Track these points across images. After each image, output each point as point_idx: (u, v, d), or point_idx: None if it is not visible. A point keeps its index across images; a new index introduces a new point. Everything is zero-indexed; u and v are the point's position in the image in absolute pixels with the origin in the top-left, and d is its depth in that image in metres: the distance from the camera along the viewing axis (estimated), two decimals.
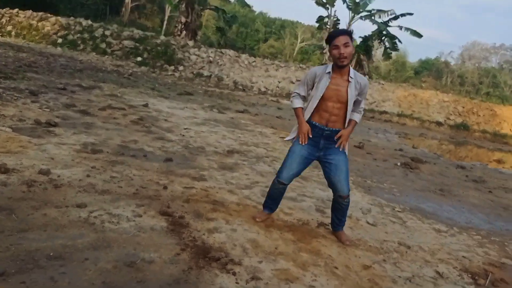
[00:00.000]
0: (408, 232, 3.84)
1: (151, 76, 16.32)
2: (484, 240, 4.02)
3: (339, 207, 3.16)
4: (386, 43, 22.68)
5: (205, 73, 19.08)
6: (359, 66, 21.88)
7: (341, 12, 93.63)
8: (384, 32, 22.03)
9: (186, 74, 18.51)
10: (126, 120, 6.33)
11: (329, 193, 4.57)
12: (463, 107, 19.60)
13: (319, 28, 23.78)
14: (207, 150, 5.54)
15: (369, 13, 22.33)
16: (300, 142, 3.04)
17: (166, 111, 8.18)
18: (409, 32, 21.61)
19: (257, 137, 7.29)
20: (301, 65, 21.00)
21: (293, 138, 3.17)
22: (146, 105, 8.11)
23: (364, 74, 21.48)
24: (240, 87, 18.85)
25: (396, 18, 22.00)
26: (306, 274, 2.59)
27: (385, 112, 19.05)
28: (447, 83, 52.45)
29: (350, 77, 2.93)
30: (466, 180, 7.25)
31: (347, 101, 2.93)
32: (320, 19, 23.05)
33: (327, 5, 22.41)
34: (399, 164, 7.46)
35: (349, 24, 22.86)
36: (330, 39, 2.89)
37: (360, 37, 22.68)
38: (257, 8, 34.77)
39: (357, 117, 3.09)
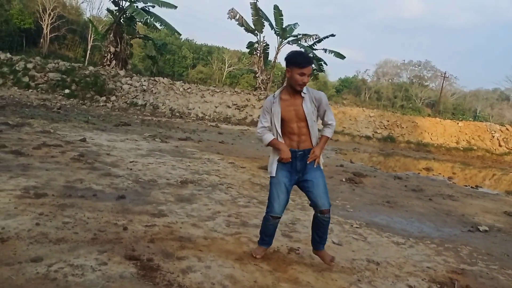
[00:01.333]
0: (371, 248, 3.95)
1: (82, 108, 15.51)
2: (439, 248, 4.24)
3: (321, 224, 3.13)
4: (313, 66, 23.79)
5: (140, 102, 18.56)
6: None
7: (270, 37, 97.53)
8: (311, 55, 23.13)
9: (119, 104, 17.86)
10: (66, 158, 5.91)
11: (289, 216, 4.61)
12: (388, 121, 20.99)
13: (250, 53, 24.37)
14: (159, 183, 5.32)
15: (295, 38, 23.37)
16: (285, 161, 3.00)
17: (107, 144, 7.78)
18: (333, 54, 22.91)
19: (206, 165, 7.16)
20: (236, 90, 21.23)
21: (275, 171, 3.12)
22: (83, 140, 7.65)
23: None
24: (177, 114, 18.56)
25: (320, 41, 23.23)
26: None
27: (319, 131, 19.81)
28: (366, 98, 56.20)
29: (303, 92, 2.97)
30: (406, 190, 7.68)
31: (305, 117, 2.97)
32: (250, 44, 23.64)
33: (256, 32, 23.09)
34: (344, 180, 7.73)
35: (278, 49, 23.74)
36: (298, 65, 2.88)
37: None
38: (182, 35, 34.64)
39: (328, 132, 3.10)
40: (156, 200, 4.49)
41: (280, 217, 3.14)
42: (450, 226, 5.34)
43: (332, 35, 22.99)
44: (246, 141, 12.96)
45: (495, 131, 21.46)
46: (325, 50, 23.32)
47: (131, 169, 5.91)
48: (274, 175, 3.11)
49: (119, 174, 5.50)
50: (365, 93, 58.77)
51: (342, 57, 22.90)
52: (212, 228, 3.82)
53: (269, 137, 3.06)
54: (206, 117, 19.04)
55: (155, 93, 19.40)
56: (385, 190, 7.37)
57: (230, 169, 7.07)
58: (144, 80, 19.75)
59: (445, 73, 48.70)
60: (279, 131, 3.02)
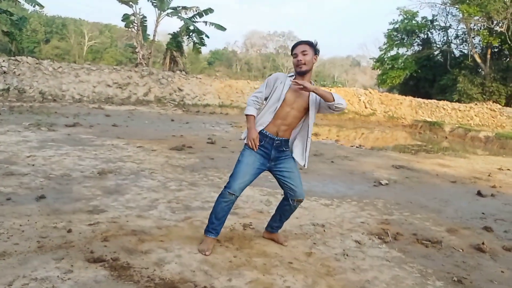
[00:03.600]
0: (310, 212, 4.28)
1: None
2: (360, 204, 4.80)
3: (291, 210, 3.17)
4: (195, 39, 23.45)
5: (0, 86, 16.11)
6: (173, 63, 22.05)
7: (148, 9, 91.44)
8: (191, 28, 22.72)
9: None
10: None
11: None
12: None
13: (127, 27, 22.78)
14: (75, 177, 4.86)
15: (174, 10, 22.58)
16: (250, 147, 2.94)
17: None
18: (214, 26, 22.82)
19: (114, 151, 6.71)
20: (115, 67, 19.81)
21: (245, 139, 3.03)
22: None
23: (180, 71, 21.81)
24: (50, 97, 16.65)
25: (200, 15, 22.89)
26: (275, 277, 2.67)
27: (208, 105, 19.84)
28: (238, 70, 57.80)
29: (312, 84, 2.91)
30: (309, 156, 8.32)
31: (305, 110, 2.94)
32: (126, 17, 22.04)
33: (131, 3, 21.61)
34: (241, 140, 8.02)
35: (157, 21, 22.69)
36: (291, 50, 2.93)
37: (169, 34, 22.81)
38: (29, 6, 30.14)
39: (336, 96, 2.82)
40: (83, 196, 4.12)
41: (236, 197, 2.96)
42: (358, 183, 6.03)
43: (211, 10, 22.82)
44: (140, 122, 12.38)
45: (361, 95, 24.17)
46: (206, 23, 23.09)
47: (33, 165, 5.25)
48: (242, 137, 3.06)
49: (23, 171, 4.85)
50: (236, 64, 60.24)
51: (223, 29, 22.96)
52: (159, 216, 3.70)
53: (250, 110, 2.95)
54: (85, 98, 17.49)
55: (19, 74, 17.01)
56: None
57: (142, 154, 6.75)
58: (4, 61, 17.14)
59: None
60: (276, 109, 2.89)
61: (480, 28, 29.10)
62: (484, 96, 27.12)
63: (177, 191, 4.66)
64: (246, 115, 3.00)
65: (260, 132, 2.96)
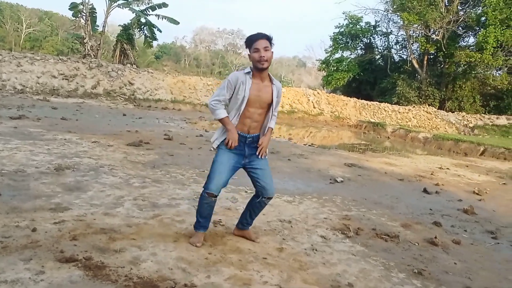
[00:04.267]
0: (275, 209, 4.39)
1: None
2: (321, 201, 4.99)
3: (261, 207, 3.24)
4: (146, 32, 22.83)
5: None
6: (124, 56, 21.34)
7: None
8: (143, 21, 22.09)
9: None
10: None
11: (189, 192, 4.66)
12: None
13: (74, 16, 21.63)
14: (29, 173, 4.62)
15: (126, 1, 21.83)
16: (229, 148, 2.96)
17: None
18: (166, 19, 22.36)
19: (68, 146, 6.43)
20: (61, 57, 18.79)
21: (218, 146, 3.08)
22: None
23: (131, 64, 21.17)
24: None
25: (153, 8, 22.32)
26: (252, 273, 2.75)
27: (160, 100, 19.44)
28: (186, 65, 57.04)
29: (272, 82, 2.98)
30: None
31: (269, 105, 2.99)
32: (74, 6, 20.94)
33: None
34: (213, 149, 8.01)
35: (107, 12, 21.78)
36: (250, 42, 2.87)
37: (120, 25, 22.00)
38: None
39: (272, 124, 3.12)
40: (42, 193, 3.94)
41: (216, 196, 3.03)
42: (315, 181, 6.24)
43: (165, 4, 22.32)
44: (90, 116, 11.90)
45: (310, 95, 24.84)
46: (158, 16, 22.55)
47: None
48: (215, 146, 3.09)
49: None
50: (185, 60, 59.40)
51: (176, 23, 22.54)
52: (127, 214, 3.63)
53: (222, 113, 2.94)
54: (27, 89, 16.47)
55: None
56: None
57: (98, 149, 6.53)
58: None
59: None
60: (241, 112, 2.93)
61: (418, 36, 31.02)
62: (420, 99, 28.99)
63: (141, 188, 4.58)
64: (220, 119, 2.96)
65: None
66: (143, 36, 23.45)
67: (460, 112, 27.38)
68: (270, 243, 3.35)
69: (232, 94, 2.95)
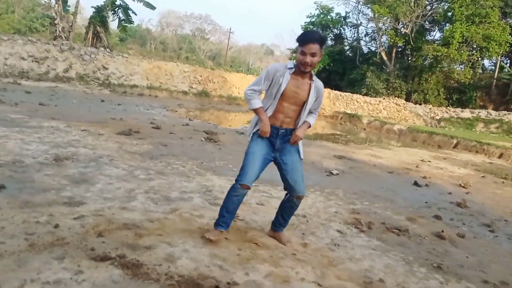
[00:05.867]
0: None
1: None
2: (324, 194, 5.07)
3: (292, 208, 3.14)
4: (121, 15, 22.05)
5: None
6: (97, 39, 20.55)
7: None
8: (118, 3, 21.29)
9: None
10: None
11: (203, 183, 4.62)
12: (201, 76, 21.73)
13: None
14: (28, 163, 4.41)
15: None
16: (261, 134, 2.90)
17: None
18: (142, 3, 21.68)
19: (59, 135, 6.18)
20: (31, 38, 17.84)
21: (252, 133, 2.99)
22: None
23: (105, 47, 20.45)
24: None
25: None
26: (287, 270, 2.77)
27: (135, 86, 18.95)
28: (152, 49, 55.63)
29: (312, 79, 2.92)
30: None
31: (304, 103, 2.93)
32: None
33: None
34: (203, 139, 7.95)
35: None
36: (301, 42, 2.77)
37: (92, 7, 21.13)
38: None
39: (311, 120, 3.06)
40: (49, 186, 3.78)
41: (248, 188, 2.95)
42: (313, 173, 6.32)
43: None
44: (67, 101, 11.48)
45: None
46: None
47: None
48: (249, 137, 3.03)
49: None
50: (151, 43, 57.94)
51: (152, 7, 21.89)
52: (144, 209, 3.55)
53: (257, 103, 2.89)
54: None
55: None
56: (243, 146, 7.93)
57: (90, 138, 6.31)
58: None
59: (230, 29, 52.40)
60: (275, 105, 2.89)
61: (388, 28, 31.73)
62: (388, 91, 29.81)
63: (148, 180, 4.48)
64: (254, 109, 2.93)
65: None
66: (117, 19, 22.61)
67: (427, 105, 28.34)
68: (293, 239, 3.37)
69: (270, 86, 2.90)
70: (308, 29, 36.28)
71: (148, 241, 2.89)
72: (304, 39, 2.77)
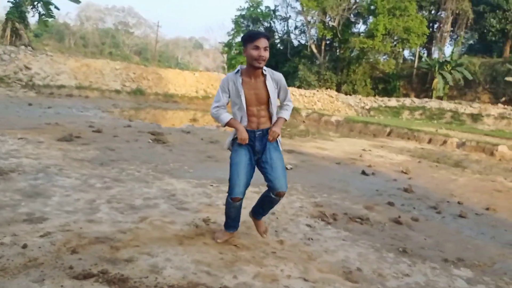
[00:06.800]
0: (251, 202, 4.42)
1: None
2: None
3: (271, 203, 3.14)
4: (41, 9, 20.48)
5: None
6: (16, 36, 18.90)
7: None
8: None
9: None
10: None
11: (158, 189, 4.51)
12: (134, 73, 20.91)
13: None
14: None
15: None
16: (240, 142, 2.89)
17: None
18: None
19: None
20: None
21: (230, 146, 3.01)
22: None
23: (25, 46, 18.92)
24: None
25: None
26: (272, 268, 2.82)
27: (63, 86, 17.76)
28: (71, 45, 52.63)
29: (264, 71, 2.92)
30: (206, 143, 8.40)
31: (268, 99, 2.95)
32: None
33: None
34: (151, 141, 7.72)
35: None
36: (250, 39, 2.81)
37: (9, 1, 19.33)
38: None
39: (285, 114, 3.08)
40: (2, 202, 3.48)
41: (241, 199, 3.00)
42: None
43: None
44: None
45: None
46: None
47: None
48: (226, 147, 3.06)
49: None
50: (70, 39, 54.75)
51: (77, 1, 20.62)
52: (112, 219, 3.41)
53: (226, 116, 2.92)
54: None
55: None
56: (193, 145, 7.86)
57: (30, 147, 5.86)
58: None
59: (158, 23, 51.11)
60: (245, 112, 2.90)
61: (316, 22, 32.97)
62: (320, 83, 31.05)
63: (106, 189, 4.28)
64: (226, 123, 2.94)
65: None
66: (37, 14, 20.97)
67: (357, 95, 29.89)
68: (268, 236, 3.44)
69: (230, 97, 2.95)
70: (239, 22, 36.52)
71: (126, 253, 2.79)
72: (256, 33, 2.85)
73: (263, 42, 2.81)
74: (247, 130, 2.94)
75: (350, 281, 2.78)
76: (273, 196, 3.07)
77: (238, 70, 2.96)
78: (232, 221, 3.18)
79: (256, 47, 2.80)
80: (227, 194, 3.05)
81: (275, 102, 3.00)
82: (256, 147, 3.00)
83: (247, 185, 3.02)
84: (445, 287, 2.86)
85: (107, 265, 2.57)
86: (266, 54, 2.83)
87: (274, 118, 3.03)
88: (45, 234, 2.93)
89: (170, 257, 2.81)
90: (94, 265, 2.56)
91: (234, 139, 3.02)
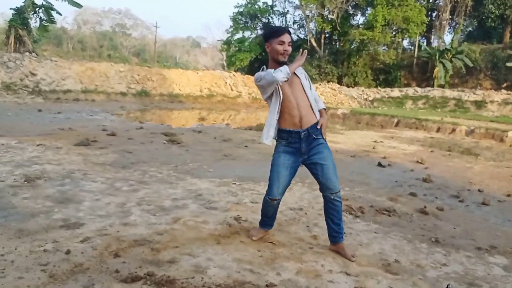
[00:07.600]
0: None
1: None
2: (306, 184, 5.16)
3: (334, 206, 2.96)
4: (42, 15, 20.49)
5: None
6: (20, 43, 18.94)
7: None
8: (40, 3, 19.75)
9: None
10: None
11: (183, 189, 4.53)
12: (139, 75, 20.95)
13: None
14: None
15: None
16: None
17: None
18: (67, 2, 20.29)
19: (15, 152, 5.70)
20: None
21: (271, 140, 2.95)
22: None
23: (30, 52, 18.96)
24: None
25: None
26: (313, 264, 2.84)
27: (69, 91, 17.82)
28: (69, 49, 52.61)
29: (298, 73, 2.93)
30: (220, 141, 8.44)
31: (304, 90, 2.91)
32: None
33: None
34: (166, 142, 7.76)
35: None
36: (275, 34, 2.84)
37: (12, 8, 19.36)
38: None
39: (322, 104, 3.02)
40: (35, 210, 3.52)
41: (279, 200, 3.03)
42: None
43: None
44: (1, 114, 10.55)
45: (226, 78, 24.89)
46: None
47: None
48: (268, 142, 2.95)
49: None
50: (68, 43, 54.78)
51: (78, 6, 20.61)
52: (146, 222, 3.44)
53: (283, 69, 2.77)
54: None
55: None
56: (207, 144, 7.89)
57: (50, 153, 5.90)
58: None
59: (156, 23, 51.08)
60: (278, 109, 2.87)
61: (315, 15, 32.88)
62: (321, 77, 30.99)
63: (133, 191, 4.32)
64: (288, 72, 2.79)
65: (282, 131, 2.92)
66: (38, 20, 20.98)
67: (359, 87, 29.84)
68: (301, 232, 3.46)
69: (269, 97, 2.92)
70: (237, 19, 36.42)
71: (167, 255, 2.82)
72: (281, 29, 2.91)
73: (288, 37, 2.87)
74: (290, 130, 2.89)
75: (391, 273, 2.80)
76: (331, 197, 2.95)
77: (263, 69, 2.96)
78: (268, 219, 3.22)
79: (282, 42, 2.85)
80: (266, 193, 3.08)
81: (311, 94, 2.95)
82: (302, 148, 2.90)
83: (286, 186, 3.04)
84: (484, 275, 2.88)
85: (151, 267, 2.60)
86: (290, 49, 2.88)
87: (316, 111, 2.94)
88: (85, 239, 2.97)
89: (211, 256, 2.84)
90: (138, 267, 2.59)
91: (277, 141, 2.98)
